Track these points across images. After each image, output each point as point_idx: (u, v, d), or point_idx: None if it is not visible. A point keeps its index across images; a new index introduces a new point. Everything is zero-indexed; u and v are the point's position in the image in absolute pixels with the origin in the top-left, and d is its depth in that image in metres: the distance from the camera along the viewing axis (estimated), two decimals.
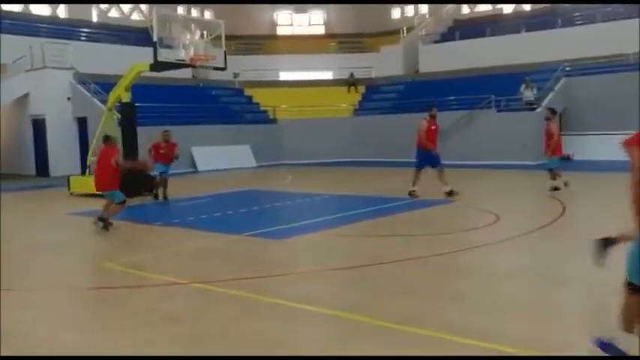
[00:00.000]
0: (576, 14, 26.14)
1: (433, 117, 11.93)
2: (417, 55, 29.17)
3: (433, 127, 11.85)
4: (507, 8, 31.14)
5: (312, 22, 36.03)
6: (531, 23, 26.17)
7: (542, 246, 7.51)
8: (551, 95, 21.26)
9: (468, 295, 5.32)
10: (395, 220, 9.61)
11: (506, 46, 25.19)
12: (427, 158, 11.72)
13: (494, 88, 21.85)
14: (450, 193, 11.46)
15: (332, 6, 35.23)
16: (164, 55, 12.96)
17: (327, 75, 30.94)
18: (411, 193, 11.76)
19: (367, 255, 7.05)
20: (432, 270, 6.30)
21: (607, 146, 18.80)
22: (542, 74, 22.07)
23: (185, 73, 23.80)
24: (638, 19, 21.86)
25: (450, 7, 31.85)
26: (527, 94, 21.21)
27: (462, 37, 27.58)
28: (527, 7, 30.30)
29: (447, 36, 29.28)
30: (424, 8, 33.64)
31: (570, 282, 5.86)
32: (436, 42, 29.39)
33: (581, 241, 8.11)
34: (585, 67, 22.13)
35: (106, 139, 9.47)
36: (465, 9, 32.48)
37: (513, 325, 4.46)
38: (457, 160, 20.41)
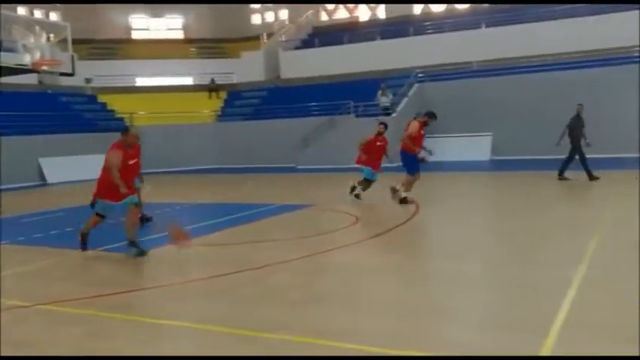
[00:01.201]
0: (427, 23, 27.78)
1: (426, 124, 11.09)
2: (278, 61, 29.40)
3: (422, 132, 11.13)
4: (364, 16, 32.39)
5: (169, 26, 35.05)
6: (386, 31, 27.39)
7: (400, 245, 7.79)
8: (405, 100, 22.36)
9: (333, 296, 5.34)
10: (259, 226, 9.51)
11: (363, 53, 26.15)
12: (410, 161, 11.08)
13: (353, 94, 22.57)
14: (404, 200, 10.87)
15: (191, 10, 34.52)
16: (4, 59, 11.91)
17: (187, 81, 30.23)
18: (404, 200, 10.93)
19: (232, 263, 6.86)
20: (297, 273, 6.27)
21: (456, 147, 20.24)
22: (396, 80, 23.16)
23: (30, 79, 22.07)
24: (482, 29, 23.76)
25: (309, 13, 32.47)
26: (384, 99, 22.16)
27: (322, 44, 28.22)
28: (382, 14, 31.72)
29: (307, 42, 29.83)
30: (284, 14, 34.03)
31: (429, 279, 6.11)
32: (297, 48, 29.82)
33: (433, 239, 8.74)
34: (436, 74, 23.60)
35: None
36: (324, 16, 33.29)
37: (378, 323, 4.52)
38: (320, 165, 20.87)
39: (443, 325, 4.51)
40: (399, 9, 30.17)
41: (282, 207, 11.26)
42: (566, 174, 13.37)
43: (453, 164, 18.96)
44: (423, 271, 6.52)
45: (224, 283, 5.97)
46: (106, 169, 7.27)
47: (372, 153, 11.72)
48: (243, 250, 7.66)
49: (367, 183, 11.86)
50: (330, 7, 33.17)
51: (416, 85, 23.26)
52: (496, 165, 19.31)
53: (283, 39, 30.47)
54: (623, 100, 19.11)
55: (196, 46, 33.19)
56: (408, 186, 11.09)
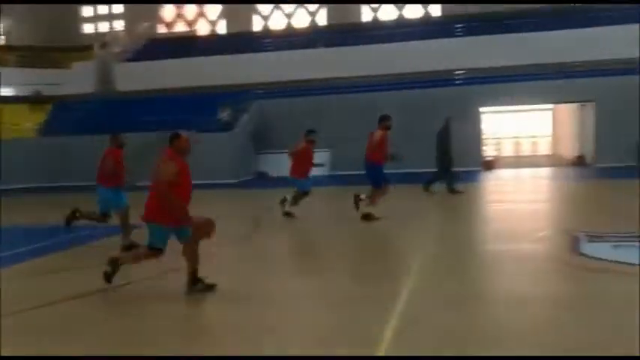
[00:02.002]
0: (267, 40, 27.88)
1: (388, 128, 10.63)
2: (112, 73, 27.74)
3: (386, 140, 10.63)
4: (203, 30, 31.78)
5: None
6: (226, 46, 27.00)
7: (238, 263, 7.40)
8: (245, 117, 22.13)
9: (144, 326, 4.81)
10: (73, 254, 8.63)
11: (203, 67, 25.51)
12: (376, 173, 10.48)
13: (192, 109, 21.87)
14: (367, 217, 10.44)
15: (13, 15, 31.56)
16: None
17: (7, 91, 27.43)
18: (368, 216, 10.48)
19: (37, 296, 6.02)
20: (102, 305, 5.64)
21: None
22: (236, 96, 22.86)
23: None
24: (319, 49, 24.31)
25: (145, 25, 31.15)
26: (224, 115, 21.76)
27: (160, 57, 27.11)
28: (222, 30, 31.34)
29: (144, 55, 28.52)
30: (119, 24, 32.39)
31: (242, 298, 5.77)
32: (132, 60, 28.39)
33: (277, 254, 8.52)
34: (276, 90, 23.66)
35: None
36: (162, 29, 32.18)
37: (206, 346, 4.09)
38: None
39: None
40: (240, 25, 30.00)
41: (100, 231, 10.30)
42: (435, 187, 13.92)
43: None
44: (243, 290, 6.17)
45: (26, 320, 5.16)
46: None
47: (306, 163, 11.32)
48: (50, 281, 6.80)
49: (302, 196, 11.36)
50: (169, 19, 32.17)
51: (256, 101, 23.13)
52: (335, 180, 19.67)
53: (117, 50, 28.86)
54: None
55: (18, 54, 30.31)
56: (375, 200, 10.54)
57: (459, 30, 25.40)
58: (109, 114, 23.55)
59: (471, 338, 4.81)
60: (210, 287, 6.12)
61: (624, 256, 7.31)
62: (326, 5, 29.86)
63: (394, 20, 28.85)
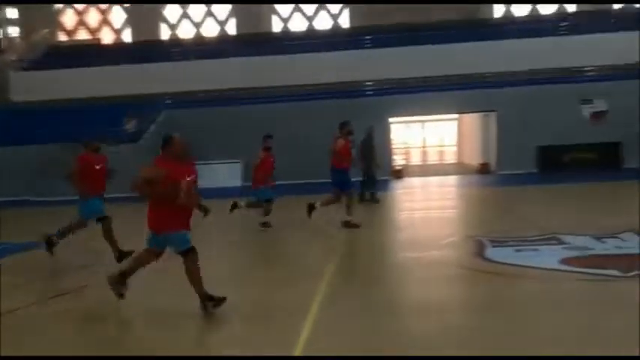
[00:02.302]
0: (175, 49, 27.19)
1: (350, 133, 11.10)
2: (7, 82, 26.09)
3: (350, 146, 11.08)
4: (107, 39, 30.67)
5: None
6: (132, 55, 26.10)
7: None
8: (153, 127, 21.43)
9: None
10: None
11: (107, 76, 24.47)
12: (342, 177, 10.77)
13: (96, 120, 20.90)
14: (349, 224, 10.55)
15: None
16: None
17: None
18: (351, 224, 10.52)
19: None
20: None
21: (208, 174, 19.89)
22: (143, 107, 22.10)
23: None
24: (230, 58, 24.00)
25: (44, 32, 29.59)
26: (130, 126, 20.99)
27: (60, 65, 25.77)
28: (127, 38, 30.34)
29: (43, 63, 27.03)
30: (15, 31, 30.62)
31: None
32: (30, 69, 26.84)
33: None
34: (185, 100, 23.05)
35: None
36: (63, 36, 30.73)
37: None
38: (60, 197, 18.77)
39: None
40: (146, 33, 29.11)
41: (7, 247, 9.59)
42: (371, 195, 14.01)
43: (208, 191, 18.54)
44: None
45: None
46: None
47: (268, 170, 11.22)
48: None
49: (261, 204, 11.19)
50: (70, 26, 30.77)
51: (164, 111, 22.46)
52: (247, 191, 19.34)
53: (14, 58, 27.23)
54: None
55: None
56: (348, 209, 10.72)
57: (367, 41, 25.86)
58: (4, 126, 22.12)
59: (383, 344, 4.82)
60: (221, 300, 5.71)
61: (526, 259, 7.59)
62: (235, 15, 29.64)
63: (304, 31, 29.04)
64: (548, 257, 7.55)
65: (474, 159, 24.76)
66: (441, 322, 5.40)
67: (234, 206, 11.58)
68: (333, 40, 25.89)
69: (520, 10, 29.88)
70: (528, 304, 5.80)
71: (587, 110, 20.84)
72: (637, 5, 28.95)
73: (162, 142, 5.84)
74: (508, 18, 29.31)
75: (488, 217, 12.40)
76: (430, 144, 30.57)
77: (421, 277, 7.30)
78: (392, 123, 22.68)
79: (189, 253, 5.66)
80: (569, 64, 22.26)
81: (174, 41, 29.28)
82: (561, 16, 28.70)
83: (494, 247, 8.42)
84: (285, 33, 29.23)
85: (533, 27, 25.52)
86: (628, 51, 21.51)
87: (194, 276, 5.65)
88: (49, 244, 8.54)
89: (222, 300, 5.66)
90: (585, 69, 22.89)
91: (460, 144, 29.29)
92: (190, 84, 23.43)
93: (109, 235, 8.39)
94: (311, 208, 11.05)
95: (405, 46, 23.72)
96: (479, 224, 11.28)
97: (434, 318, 5.53)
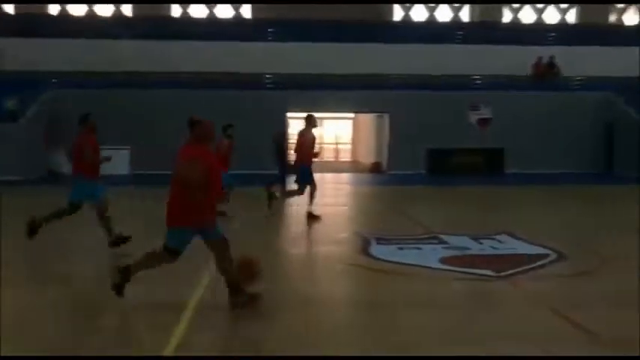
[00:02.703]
0: (64, 25, 25.57)
1: (314, 126, 11.30)
2: None
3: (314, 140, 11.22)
4: None
5: None
6: (14, 28, 24.24)
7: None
8: (35, 107, 20.11)
9: None
10: None
11: None
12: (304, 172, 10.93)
13: None
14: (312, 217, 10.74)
15: None
16: None
17: None
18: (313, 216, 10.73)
19: None
20: None
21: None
22: (27, 84, 20.64)
23: None
24: (123, 40, 22.91)
25: None
26: (10, 104, 19.56)
27: None
28: (10, 10, 28.14)
29: None
30: None
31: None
32: None
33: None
34: (71, 81, 21.65)
35: None
36: None
37: None
38: None
39: None
40: (32, 7, 27.13)
41: None
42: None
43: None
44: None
45: None
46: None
47: (227, 158, 11.08)
48: None
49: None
50: None
51: (49, 91, 21.07)
52: (139, 179, 18.59)
53: None
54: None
55: None
56: (291, 196, 11.37)
57: (269, 34, 25.68)
58: None
59: (268, 342, 4.75)
60: (255, 298, 5.45)
61: (407, 257, 7.78)
62: None
63: (205, 18, 28.31)
64: (429, 256, 7.79)
65: (367, 158, 25.32)
66: (316, 318, 5.39)
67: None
68: (235, 30, 25.47)
69: (418, 16, 30.86)
70: (405, 302, 5.91)
71: (474, 117, 21.91)
72: (524, 21, 30.80)
73: (189, 125, 5.50)
74: (407, 22, 30.18)
75: (376, 215, 12.68)
76: (327, 141, 30.91)
77: (304, 273, 7.30)
78: (290, 118, 22.69)
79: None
80: (460, 71, 23.26)
81: (65, 16, 27.51)
82: (457, 25, 29.95)
83: (379, 244, 8.58)
84: (185, 18, 28.35)
85: (430, 33, 26.44)
86: (514, 63, 22.84)
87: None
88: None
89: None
90: (474, 77, 24.03)
91: (355, 143, 29.87)
92: (79, 64, 22.13)
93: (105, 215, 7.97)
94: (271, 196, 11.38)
95: (306, 42, 23.80)
96: (367, 222, 11.49)
97: (312, 314, 5.51)
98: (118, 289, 5.47)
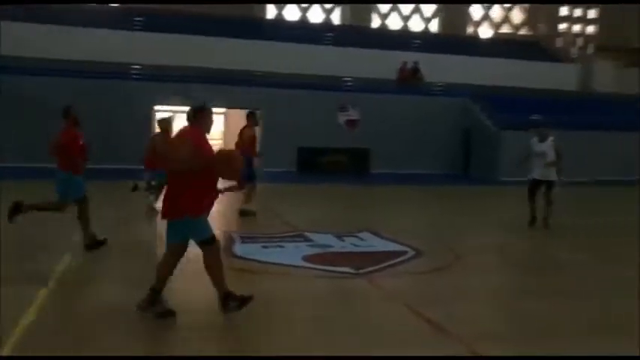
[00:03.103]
0: None
1: (256, 124, 11.67)
2: None
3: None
4: None
5: None
6: None
7: None
8: None
9: None
10: None
11: None
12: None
13: None
14: (247, 213, 10.85)
15: None
16: None
17: None
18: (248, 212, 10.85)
19: None
20: None
21: None
22: None
23: None
24: None
25: None
26: None
27: None
28: None
29: None
30: None
31: None
32: None
33: None
34: None
35: None
36: None
37: None
38: None
39: None
40: None
41: None
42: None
43: None
44: None
45: None
46: None
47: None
48: None
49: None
50: None
51: None
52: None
53: None
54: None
55: None
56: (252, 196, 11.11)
57: (137, 23, 24.63)
58: None
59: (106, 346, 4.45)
60: (246, 300, 5.25)
61: (271, 256, 7.75)
62: None
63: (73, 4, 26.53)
64: (292, 254, 7.83)
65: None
66: (174, 322, 5.19)
67: (135, 188, 11.45)
68: (103, 18, 24.11)
69: (291, 16, 31.15)
70: (265, 301, 5.86)
71: (342, 117, 22.46)
72: (392, 28, 32.13)
73: (192, 112, 5.29)
74: (279, 21, 30.33)
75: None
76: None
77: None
78: (158, 111, 21.88)
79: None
80: (330, 72, 23.73)
81: None
82: (328, 26, 30.58)
83: (243, 243, 8.48)
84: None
85: (302, 33, 26.76)
86: (381, 67, 23.71)
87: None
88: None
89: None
90: (344, 79, 24.64)
91: (226, 139, 29.46)
92: None
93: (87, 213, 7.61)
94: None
95: (178, 34, 23.13)
96: (235, 220, 11.31)
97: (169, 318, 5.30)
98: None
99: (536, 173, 10.71)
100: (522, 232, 10.60)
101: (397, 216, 12.50)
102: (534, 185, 10.80)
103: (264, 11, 30.37)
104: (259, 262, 7.43)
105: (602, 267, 8.15)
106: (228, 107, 24.89)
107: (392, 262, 7.66)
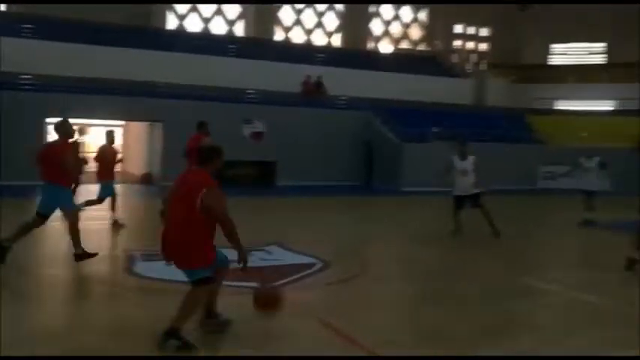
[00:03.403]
0: None
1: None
2: None
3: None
4: None
5: None
6: None
7: None
8: None
9: None
10: None
11: None
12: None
13: None
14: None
15: None
16: None
17: None
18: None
19: None
20: None
21: None
22: None
23: None
24: None
25: None
26: None
27: None
28: None
29: None
30: None
31: None
32: None
33: None
34: None
35: None
36: None
37: None
38: None
39: None
40: None
41: None
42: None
43: None
44: None
45: None
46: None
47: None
48: None
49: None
50: None
51: None
52: None
53: None
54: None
55: None
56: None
57: (26, 31, 23.27)
58: None
59: None
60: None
61: (173, 273, 7.39)
62: None
63: None
64: None
65: (138, 168, 24.25)
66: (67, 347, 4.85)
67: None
68: None
69: (193, 27, 30.65)
70: (162, 323, 5.59)
71: (247, 130, 22.30)
72: (295, 41, 32.40)
73: (204, 154, 5.28)
74: (181, 31, 29.75)
75: (147, 229, 12.04)
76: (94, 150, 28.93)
77: (60, 298, 6.56)
78: (50, 124, 20.72)
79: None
80: (235, 84, 23.52)
81: None
82: (231, 39, 30.34)
83: (144, 260, 8.12)
84: None
85: (205, 44, 26.36)
86: (286, 80, 23.83)
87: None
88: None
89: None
90: (249, 91, 24.50)
91: (125, 152, 28.44)
92: None
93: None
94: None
95: (74, 43, 22.08)
96: (137, 237, 10.87)
97: (60, 343, 4.95)
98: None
99: (459, 190, 11.03)
100: (427, 240, 10.90)
101: (304, 228, 12.49)
102: (459, 201, 11.10)
103: (164, 21, 29.70)
104: (161, 280, 7.11)
105: (503, 273, 8.51)
106: (128, 120, 24.08)
107: (300, 274, 7.61)
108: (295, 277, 7.46)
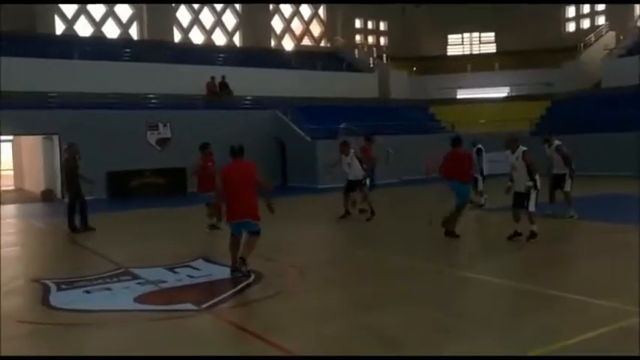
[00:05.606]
0: None
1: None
2: None
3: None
4: None
5: None
6: None
7: None
8: None
9: None
10: None
11: None
12: None
13: None
14: None
15: None
16: None
17: None
18: None
19: None
20: None
21: None
22: None
23: None
24: None
25: None
26: None
27: None
28: None
29: None
30: None
31: None
32: None
33: None
34: None
35: None
36: None
37: None
38: None
39: None
40: None
41: None
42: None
43: None
44: None
45: None
46: None
47: None
48: None
49: None
50: None
51: None
52: None
53: None
54: None
55: None
56: None
57: None
58: None
59: None
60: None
61: (97, 302, 6.79)
62: None
63: None
64: (122, 296, 6.94)
65: (36, 185, 22.61)
66: None
67: None
68: None
69: (84, 31, 29.02)
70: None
71: (153, 137, 21.31)
72: (195, 42, 31.44)
73: (237, 150, 8.50)
74: (71, 36, 28.03)
75: (56, 253, 11.08)
76: None
77: None
78: None
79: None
80: (133, 90, 22.41)
81: None
82: (125, 42, 28.97)
83: (60, 290, 7.35)
84: None
85: (97, 49, 24.96)
86: (189, 82, 23.01)
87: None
88: None
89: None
90: (149, 96, 23.45)
91: (18, 168, 26.48)
92: None
93: None
94: None
95: None
96: (46, 263, 9.92)
97: None
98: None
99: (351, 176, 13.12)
100: (353, 240, 10.72)
101: (224, 236, 11.88)
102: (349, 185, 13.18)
103: (52, 26, 27.86)
104: (83, 311, 6.44)
105: (436, 271, 8.35)
106: (19, 134, 22.39)
107: (234, 290, 7.16)
108: (229, 293, 7.01)
